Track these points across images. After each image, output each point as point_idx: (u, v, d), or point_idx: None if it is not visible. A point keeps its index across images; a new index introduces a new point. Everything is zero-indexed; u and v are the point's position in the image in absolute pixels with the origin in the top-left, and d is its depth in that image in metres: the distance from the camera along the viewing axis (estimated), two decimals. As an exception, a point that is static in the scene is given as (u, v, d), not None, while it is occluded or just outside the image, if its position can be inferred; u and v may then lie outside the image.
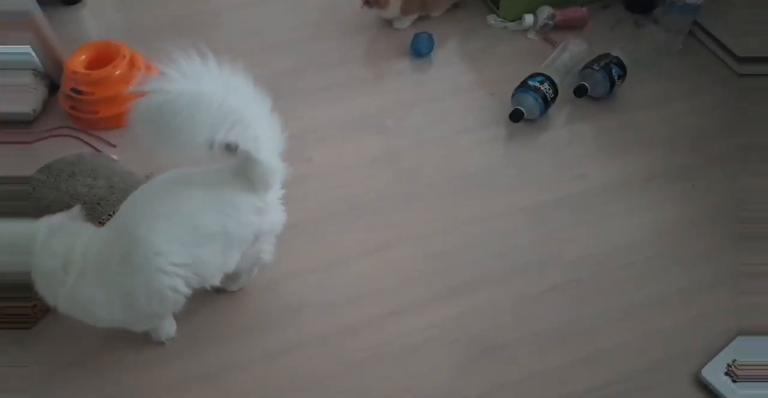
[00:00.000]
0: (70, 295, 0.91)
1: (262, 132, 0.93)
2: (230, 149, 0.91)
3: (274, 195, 1.02)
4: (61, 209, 1.07)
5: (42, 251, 0.90)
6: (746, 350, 1.07)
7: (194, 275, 0.96)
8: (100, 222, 1.08)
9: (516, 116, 1.42)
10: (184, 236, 0.92)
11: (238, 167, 0.96)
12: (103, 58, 1.38)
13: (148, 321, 1.04)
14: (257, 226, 0.98)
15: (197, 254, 0.94)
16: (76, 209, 0.95)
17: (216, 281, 1.01)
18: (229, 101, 0.86)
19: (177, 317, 1.06)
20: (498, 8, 1.69)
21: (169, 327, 1.09)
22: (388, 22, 1.70)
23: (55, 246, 0.90)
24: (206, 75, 0.87)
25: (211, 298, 1.13)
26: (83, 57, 1.36)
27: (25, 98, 1.33)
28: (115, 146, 1.38)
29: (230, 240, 0.96)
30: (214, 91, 0.85)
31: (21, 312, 1.05)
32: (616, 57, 1.49)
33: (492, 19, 1.70)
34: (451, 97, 1.53)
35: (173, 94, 0.83)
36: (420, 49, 1.59)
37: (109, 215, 1.10)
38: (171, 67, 0.84)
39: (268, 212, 0.99)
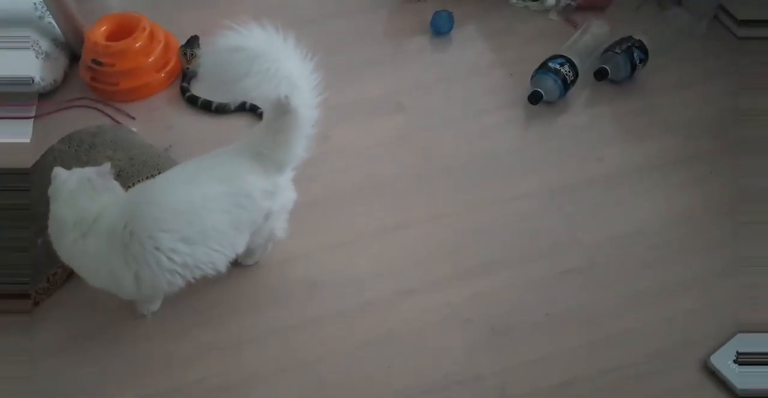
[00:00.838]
0: (69, 248, 0.95)
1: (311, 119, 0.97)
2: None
3: (285, 177, 1.03)
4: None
5: (65, 200, 0.93)
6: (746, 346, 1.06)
7: (195, 271, 0.98)
8: (120, 194, 1.09)
9: (535, 98, 1.41)
10: (193, 235, 0.93)
11: (256, 149, 0.96)
12: (123, 29, 1.39)
13: (135, 295, 1.05)
14: (267, 209, 0.99)
15: (202, 251, 0.96)
16: (106, 166, 0.97)
17: (222, 268, 1.02)
18: (301, 79, 0.92)
19: (192, 289, 1.06)
20: (520, -13, 1.66)
21: (156, 302, 1.11)
22: (410, -2, 1.69)
23: (77, 199, 0.94)
24: (289, 50, 0.92)
25: (226, 272, 1.15)
26: (104, 28, 1.37)
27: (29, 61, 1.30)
28: (134, 118, 1.39)
29: (239, 228, 0.98)
30: (293, 64, 0.91)
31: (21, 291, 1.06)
32: (639, 40, 1.46)
33: (514, -2, 1.68)
34: (470, 77, 1.52)
35: (260, 47, 0.88)
36: (440, 28, 1.58)
37: (129, 186, 1.10)
38: (257, 27, 0.89)
39: (278, 194, 1.00)
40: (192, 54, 1.47)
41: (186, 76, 1.46)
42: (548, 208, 1.28)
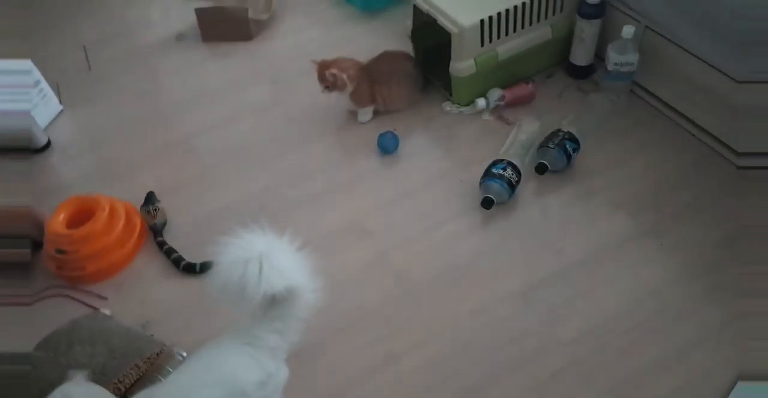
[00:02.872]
0: None
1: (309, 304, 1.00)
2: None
3: (280, 359, 1.04)
4: (65, 386, 1.08)
5: None
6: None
7: None
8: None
9: (487, 204, 1.48)
10: None
11: (248, 339, 0.98)
12: (82, 212, 1.41)
13: None
14: (261, 396, 1.00)
15: None
16: (80, 377, 0.97)
17: None
18: (298, 271, 0.97)
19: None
20: (451, 96, 1.78)
21: None
22: (352, 121, 1.78)
23: None
24: (284, 246, 0.96)
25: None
26: (62, 216, 1.39)
27: None
28: (106, 298, 1.40)
29: None
30: (290, 258, 0.96)
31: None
32: (568, 132, 1.57)
33: (447, 106, 1.78)
34: (424, 189, 1.59)
35: (260, 255, 0.91)
36: (387, 148, 1.66)
37: (116, 383, 1.11)
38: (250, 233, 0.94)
39: (272, 380, 1.01)
40: (155, 209, 1.52)
41: (156, 231, 1.51)
42: (524, 310, 1.32)
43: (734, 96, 1.45)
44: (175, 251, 1.45)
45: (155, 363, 1.18)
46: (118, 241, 1.40)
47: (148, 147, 1.73)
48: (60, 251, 1.36)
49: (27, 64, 1.72)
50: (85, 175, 1.70)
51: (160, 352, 1.18)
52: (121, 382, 1.11)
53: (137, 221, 1.49)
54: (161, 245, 1.47)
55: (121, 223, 1.41)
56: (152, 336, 1.26)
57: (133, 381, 1.15)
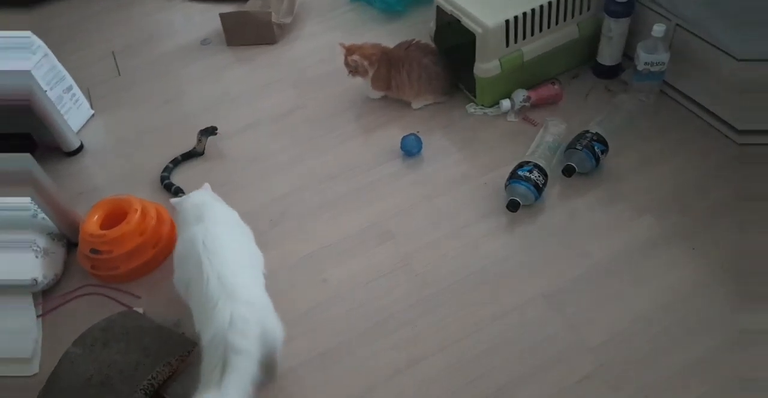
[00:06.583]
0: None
1: None
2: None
3: None
4: (101, 381, 1.12)
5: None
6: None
7: None
8: (141, 389, 1.12)
9: (513, 207, 1.48)
10: None
11: None
12: (115, 213, 1.44)
13: None
14: None
15: None
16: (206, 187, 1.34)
17: None
18: None
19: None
20: (476, 97, 1.77)
21: None
22: (375, 123, 1.79)
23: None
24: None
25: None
26: (96, 217, 1.43)
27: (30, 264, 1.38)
28: (139, 296, 1.43)
29: None
30: None
31: None
32: (596, 133, 1.56)
33: (471, 107, 1.78)
34: (447, 191, 1.59)
35: None
36: (410, 150, 1.67)
37: (149, 380, 1.14)
38: None
39: None
40: (200, 139, 1.75)
41: (188, 155, 1.75)
42: (548, 314, 1.31)
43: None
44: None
45: (186, 361, 1.22)
46: (149, 241, 1.43)
47: (175, 151, 1.76)
48: (94, 251, 1.39)
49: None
50: (117, 177, 1.75)
51: (192, 350, 1.21)
52: (154, 378, 1.14)
53: (168, 222, 1.51)
54: (162, 179, 1.69)
55: (153, 223, 1.44)
56: (183, 334, 1.28)
57: (165, 378, 1.18)
